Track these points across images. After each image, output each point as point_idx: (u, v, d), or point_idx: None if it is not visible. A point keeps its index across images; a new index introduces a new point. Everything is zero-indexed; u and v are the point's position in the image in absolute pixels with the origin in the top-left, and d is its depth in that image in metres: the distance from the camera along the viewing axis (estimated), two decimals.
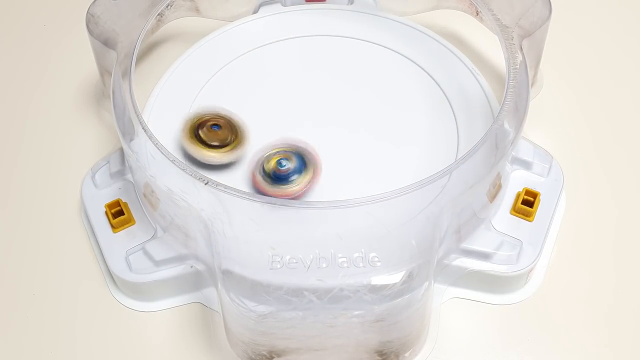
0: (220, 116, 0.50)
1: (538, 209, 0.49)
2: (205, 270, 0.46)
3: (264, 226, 0.42)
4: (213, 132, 0.49)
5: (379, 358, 0.45)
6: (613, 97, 0.57)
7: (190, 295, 0.48)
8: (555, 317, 0.48)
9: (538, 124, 0.54)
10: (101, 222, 0.49)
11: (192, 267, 0.47)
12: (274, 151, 0.49)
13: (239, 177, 0.49)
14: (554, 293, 0.48)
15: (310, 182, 0.48)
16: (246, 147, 0.49)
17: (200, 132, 0.49)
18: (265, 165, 0.48)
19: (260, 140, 0.50)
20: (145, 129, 0.45)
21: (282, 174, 0.47)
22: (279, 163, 0.48)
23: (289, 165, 0.48)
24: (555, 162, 0.50)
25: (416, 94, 0.53)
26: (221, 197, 0.42)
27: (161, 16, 0.54)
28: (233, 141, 0.49)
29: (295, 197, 0.47)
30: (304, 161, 0.48)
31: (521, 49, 0.48)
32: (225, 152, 0.49)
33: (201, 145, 0.49)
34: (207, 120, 0.50)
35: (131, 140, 0.46)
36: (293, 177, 0.48)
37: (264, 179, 0.48)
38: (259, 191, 0.48)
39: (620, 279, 0.49)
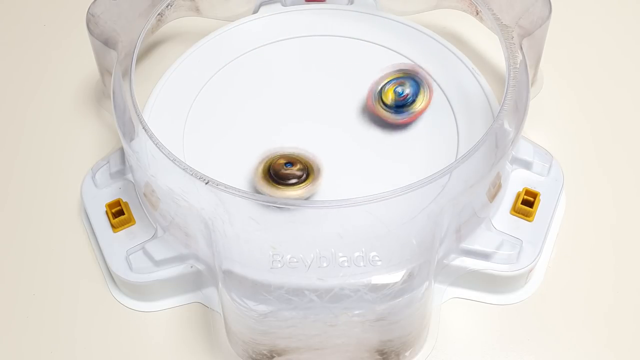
0: (287, 155, 0.48)
1: (538, 209, 0.49)
2: (205, 269, 0.46)
3: (265, 225, 0.42)
4: (287, 170, 0.47)
5: (380, 357, 0.45)
6: (613, 97, 0.57)
7: (191, 295, 0.48)
8: (555, 317, 0.48)
9: (538, 124, 0.54)
10: (101, 222, 0.49)
11: (192, 266, 0.47)
12: None
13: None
14: (554, 293, 0.48)
15: None
16: (321, 180, 0.48)
17: (273, 172, 0.47)
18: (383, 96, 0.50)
19: (261, 140, 0.50)
20: (145, 129, 0.45)
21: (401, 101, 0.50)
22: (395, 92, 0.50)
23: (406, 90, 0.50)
24: (555, 162, 0.50)
25: None
26: (222, 196, 0.42)
27: (161, 16, 0.54)
28: (309, 175, 0.48)
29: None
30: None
31: (521, 48, 0.48)
32: (303, 187, 0.47)
33: (278, 186, 0.47)
34: (278, 159, 0.48)
35: (132, 139, 0.46)
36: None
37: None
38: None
39: (620, 279, 0.49)
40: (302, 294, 0.41)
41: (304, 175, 0.48)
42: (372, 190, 0.42)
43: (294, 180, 0.47)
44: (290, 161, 0.48)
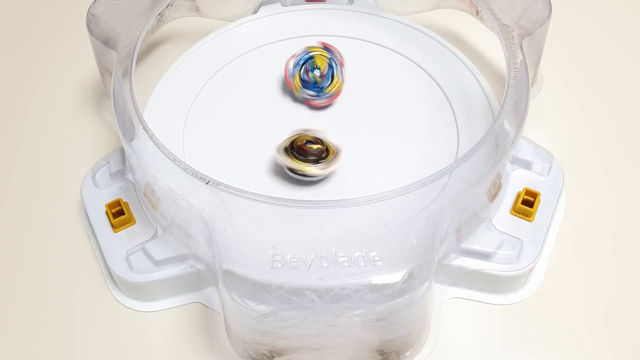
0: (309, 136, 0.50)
1: (538, 209, 0.49)
2: (205, 269, 0.46)
3: (265, 225, 0.42)
4: (308, 148, 0.48)
5: (380, 357, 0.45)
6: (613, 97, 0.57)
7: (191, 295, 0.48)
8: (555, 317, 0.48)
9: (538, 124, 0.54)
10: (101, 222, 0.49)
11: (192, 267, 0.47)
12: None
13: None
14: (554, 293, 0.48)
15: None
16: (339, 161, 0.49)
17: (295, 149, 0.49)
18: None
19: (261, 140, 0.50)
20: (146, 129, 0.45)
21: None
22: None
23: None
24: (555, 162, 0.50)
25: (416, 93, 0.53)
26: (222, 196, 0.42)
27: (161, 16, 0.54)
28: (327, 155, 0.49)
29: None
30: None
31: (521, 48, 0.48)
32: (323, 166, 0.48)
33: (300, 161, 0.48)
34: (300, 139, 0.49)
35: (132, 139, 0.46)
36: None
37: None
38: None
39: (620, 279, 0.49)
40: (302, 294, 0.41)
41: (323, 155, 0.48)
42: (372, 190, 0.42)
43: (312, 158, 0.48)
44: (312, 141, 0.48)
